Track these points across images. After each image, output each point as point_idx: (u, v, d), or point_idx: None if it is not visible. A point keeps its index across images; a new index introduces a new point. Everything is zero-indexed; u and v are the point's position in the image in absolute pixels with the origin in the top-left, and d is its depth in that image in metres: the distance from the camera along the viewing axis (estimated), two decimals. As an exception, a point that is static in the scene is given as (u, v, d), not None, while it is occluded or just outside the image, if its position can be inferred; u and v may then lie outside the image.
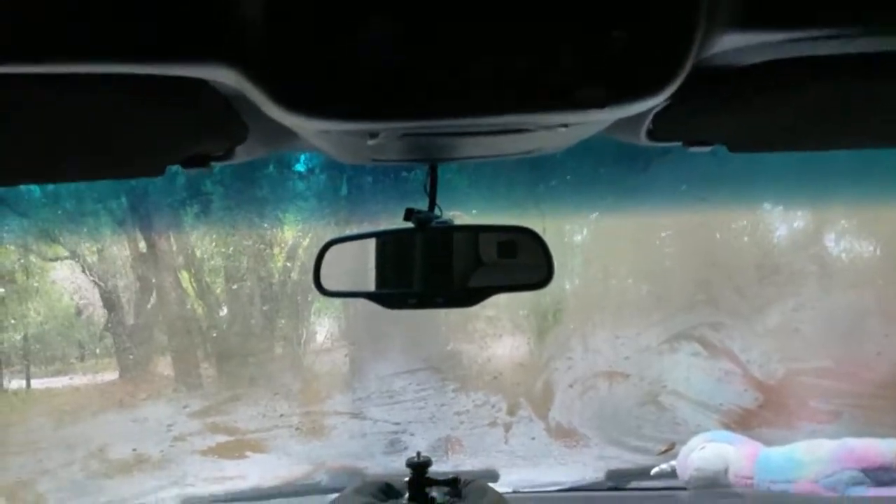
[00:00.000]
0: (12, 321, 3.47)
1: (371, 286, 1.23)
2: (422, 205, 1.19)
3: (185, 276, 3.57)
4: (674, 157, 2.66)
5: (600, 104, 0.57)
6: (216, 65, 0.56)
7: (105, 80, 0.60)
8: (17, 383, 3.38)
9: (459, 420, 3.20)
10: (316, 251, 1.24)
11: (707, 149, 0.93)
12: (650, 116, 0.81)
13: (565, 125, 0.69)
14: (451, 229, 1.21)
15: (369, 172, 3.12)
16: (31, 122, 0.76)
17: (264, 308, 3.44)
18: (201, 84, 0.64)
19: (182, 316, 3.49)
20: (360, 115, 0.57)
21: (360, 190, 3.17)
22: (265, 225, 3.37)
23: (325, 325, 3.52)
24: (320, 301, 3.40)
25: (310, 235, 3.41)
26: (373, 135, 0.68)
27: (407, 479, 1.23)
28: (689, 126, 0.85)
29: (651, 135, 0.88)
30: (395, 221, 1.19)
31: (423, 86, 0.56)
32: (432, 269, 1.21)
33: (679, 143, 0.93)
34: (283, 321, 3.45)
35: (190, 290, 3.57)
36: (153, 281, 3.49)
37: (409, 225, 1.17)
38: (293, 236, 3.50)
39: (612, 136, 0.94)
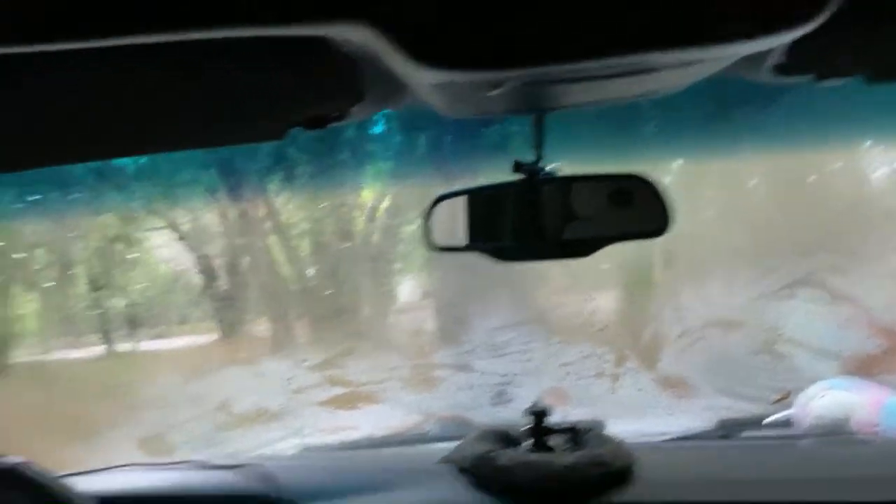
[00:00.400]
0: (126, 287, 3.70)
1: (480, 240, 1.24)
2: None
3: (275, 241, 3.69)
4: (794, 96, 2.49)
5: (749, 35, 0.54)
6: (348, 21, 0.56)
7: (230, 44, 0.62)
8: (128, 345, 3.62)
9: (565, 371, 3.20)
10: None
11: (840, 81, 0.87)
12: (781, 49, 0.76)
13: (700, 61, 0.66)
14: (559, 179, 1.18)
15: (449, 131, 3.09)
16: (160, 89, 0.79)
17: (369, 265, 3.52)
18: (325, 44, 0.65)
19: (280, 278, 3.62)
20: (497, 64, 0.57)
21: (439, 149, 3.15)
22: (347, 188, 3.42)
23: (428, 280, 3.57)
24: (422, 258, 3.44)
25: (390, 196, 3.43)
26: (496, 84, 0.67)
27: (522, 428, 1.24)
28: (826, 57, 0.79)
29: (780, 69, 0.83)
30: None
31: (559, 29, 0.54)
32: (543, 221, 1.20)
33: (809, 77, 0.88)
34: (389, 278, 3.52)
35: (282, 254, 3.69)
36: (249, 246, 3.62)
37: (516, 177, 1.16)
38: (375, 197, 3.54)
39: (734, 73, 0.90)
